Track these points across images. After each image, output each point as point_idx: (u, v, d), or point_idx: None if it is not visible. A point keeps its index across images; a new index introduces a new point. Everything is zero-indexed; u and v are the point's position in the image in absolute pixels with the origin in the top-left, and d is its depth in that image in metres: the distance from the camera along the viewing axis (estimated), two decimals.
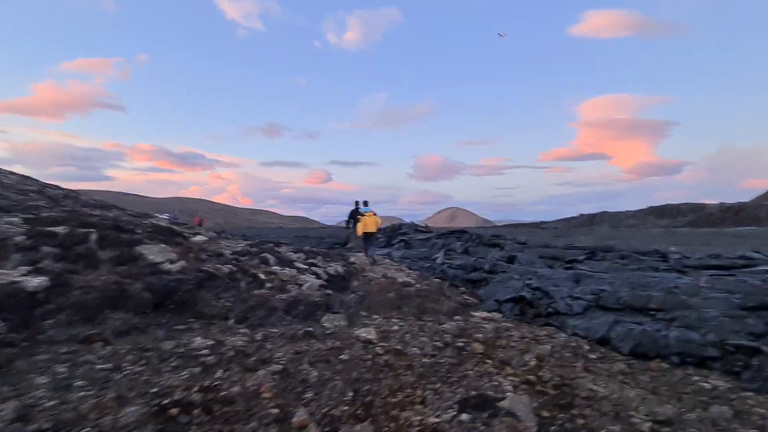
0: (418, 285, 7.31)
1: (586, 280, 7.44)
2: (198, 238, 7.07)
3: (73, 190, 19.40)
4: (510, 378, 3.58)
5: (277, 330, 4.08)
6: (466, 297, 7.24)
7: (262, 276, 5.42)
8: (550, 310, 6.34)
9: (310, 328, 4.25)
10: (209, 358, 3.14)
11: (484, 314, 6.44)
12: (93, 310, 3.64)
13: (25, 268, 3.77)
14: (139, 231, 5.60)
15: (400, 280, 7.40)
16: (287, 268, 5.98)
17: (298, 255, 7.09)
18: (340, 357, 3.65)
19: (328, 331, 4.37)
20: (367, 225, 11.84)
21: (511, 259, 10.52)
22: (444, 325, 5.40)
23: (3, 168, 18.79)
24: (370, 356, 3.74)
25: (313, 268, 6.34)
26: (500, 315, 6.46)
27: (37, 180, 19.09)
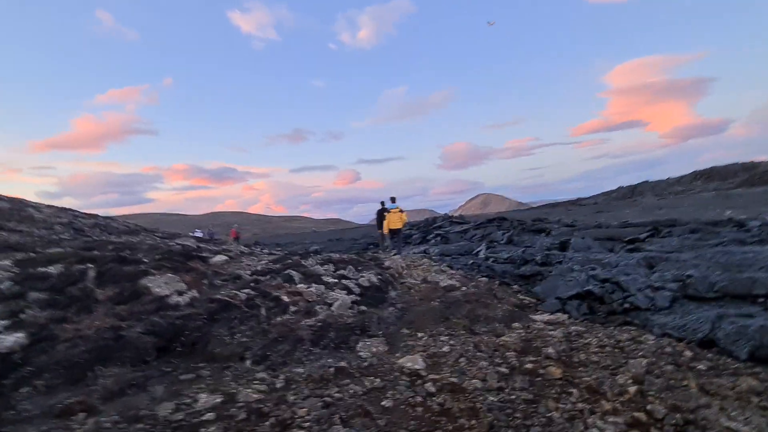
0: (464, 288, 6.42)
1: (663, 264, 6.34)
2: (217, 258, 6.48)
3: (106, 218, 19.61)
4: (611, 419, 2.67)
5: (302, 369, 3.34)
6: (522, 297, 6.29)
7: (285, 298, 4.71)
8: (626, 305, 5.33)
9: (343, 363, 3.48)
10: (212, 428, 2.42)
11: (547, 317, 5.49)
12: (81, 368, 3.01)
13: (2, 323, 3.19)
14: (146, 260, 5.01)
15: (442, 284, 6.54)
16: (314, 285, 5.26)
17: (326, 267, 6.36)
18: (383, 403, 2.85)
19: (364, 363, 3.59)
20: (391, 222, 11.85)
21: (563, 246, 9.43)
22: (503, 338, 4.52)
23: (42, 202, 19.22)
24: (420, 399, 2.93)
25: (344, 281, 5.58)
26: (566, 316, 5.50)
27: (73, 211, 19.42)
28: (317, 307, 4.62)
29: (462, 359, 3.73)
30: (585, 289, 5.84)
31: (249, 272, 5.55)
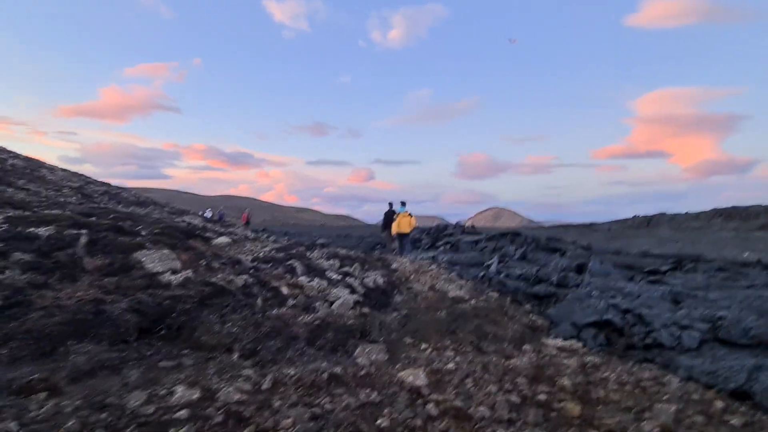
0: (473, 301, 6.06)
1: (690, 301, 5.91)
2: (220, 240, 6.22)
3: (119, 187, 19.62)
4: None
5: (293, 371, 3.02)
6: (534, 318, 5.91)
7: (285, 290, 4.41)
8: (648, 341, 4.93)
9: (338, 369, 3.16)
10: (182, 429, 2.12)
11: (560, 342, 5.11)
12: (52, 341, 2.73)
13: None
14: (144, 233, 4.76)
15: (451, 294, 6.19)
16: (317, 279, 4.95)
17: (331, 262, 6.06)
18: (378, 422, 2.52)
19: (361, 372, 3.27)
20: (400, 225, 11.65)
21: (580, 269, 9.00)
22: (513, 360, 4.17)
23: (60, 166, 19.30)
24: (420, 422, 2.59)
25: (348, 279, 5.27)
26: (580, 344, 5.11)
27: (87, 177, 19.49)
28: (317, 304, 4.31)
29: (468, 380, 3.39)
30: (604, 318, 5.45)
31: (250, 258, 5.27)
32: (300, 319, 3.90)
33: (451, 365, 3.65)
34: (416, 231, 24.70)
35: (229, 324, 3.51)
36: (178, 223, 6.97)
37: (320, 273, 5.24)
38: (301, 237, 31.07)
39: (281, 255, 5.62)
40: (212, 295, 3.78)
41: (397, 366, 3.55)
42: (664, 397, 3.65)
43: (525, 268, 8.90)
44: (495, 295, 6.68)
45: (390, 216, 12.51)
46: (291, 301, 4.20)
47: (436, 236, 18.60)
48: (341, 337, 3.78)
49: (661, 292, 6.35)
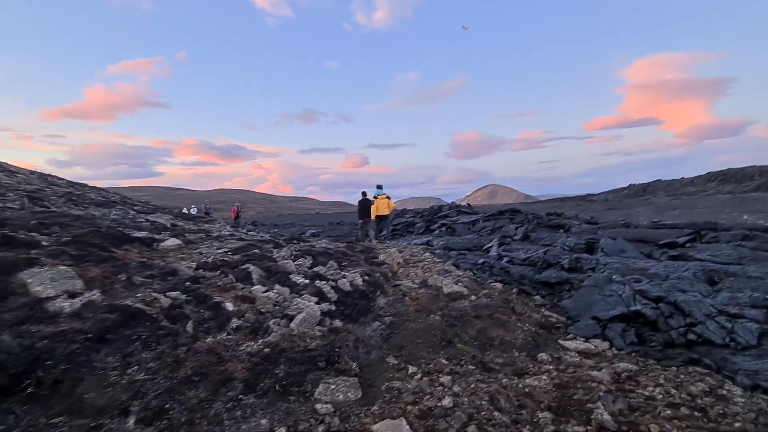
0: (473, 297, 5.09)
1: (729, 280, 4.95)
2: (168, 243, 5.19)
3: (93, 188, 18.42)
4: None
5: None
6: (547, 312, 4.95)
7: (230, 306, 3.41)
8: (691, 336, 3.98)
9: (282, 430, 2.19)
10: None
11: (582, 344, 4.17)
12: None
13: None
14: (47, 242, 3.72)
15: (446, 289, 5.20)
16: (277, 287, 3.95)
17: (301, 261, 5.05)
18: None
19: (319, 429, 2.30)
20: (379, 208, 11.95)
21: (590, 247, 8.05)
22: (528, 380, 3.21)
23: (25, 168, 18.05)
24: None
25: (318, 283, 4.27)
26: (606, 344, 4.18)
27: (56, 178, 18.24)
28: (271, 323, 3.32)
29: (471, 427, 2.42)
30: (632, 309, 4.49)
31: (195, 265, 4.25)
32: (242, 348, 2.90)
33: (447, 401, 2.68)
34: (410, 214, 23.72)
35: (135, 368, 2.51)
36: (116, 226, 5.92)
37: (283, 278, 4.23)
38: (292, 228, 30.05)
39: (236, 258, 4.60)
40: (119, 326, 2.78)
41: (372, 409, 2.57)
42: (736, 425, 2.71)
43: (529, 250, 7.93)
44: (498, 286, 5.71)
45: (365, 204, 12.71)
46: (235, 322, 3.20)
47: (431, 219, 17.60)
48: (298, 371, 2.79)
49: (691, 271, 5.40)
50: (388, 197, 12.07)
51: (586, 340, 4.29)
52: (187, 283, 3.56)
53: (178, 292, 3.36)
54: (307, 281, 4.29)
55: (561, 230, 11.66)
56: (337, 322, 3.68)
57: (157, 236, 5.76)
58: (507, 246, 8.80)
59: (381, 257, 6.90)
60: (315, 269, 4.82)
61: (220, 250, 5.07)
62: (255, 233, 12.76)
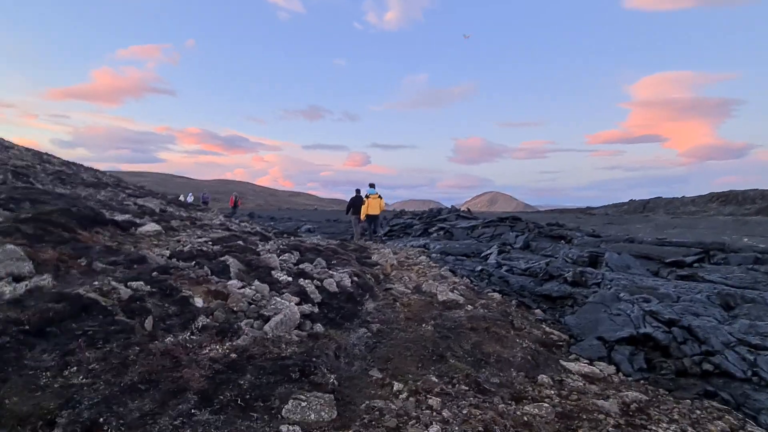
0: (469, 306, 4.73)
1: (746, 307, 4.61)
2: (147, 228, 4.83)
3: (87, 168, 18.04)
4: None
5: None
6: (548, 328, 4.59)
7: (198, 302, 3.05)
8: (707, 366, 3.63)
9: None
10: None
11: (586, 366, 3.81)
12: None
13: None
14: (0, 219, 3.35)
15: (441, 296, 4.85)
16: (256, 283, 3.59)
17: (286, 256, 4.69)
18: None
19: None
20: (370, 207, 11.93)
21: (594, 261, 7.70)
22: (528, 407, 2.85)
23: (17, 144, 17.68)
24: None
25: (302, 281, 3.90)
26: (613, 368, 3.84)
27: (49, 156, 17.86)
28: (242, 324, 2.96)
29: None
30: (641, 331, 4.14)
31: (168, 254, 3.89)
32: (205, 352, 2.54)
33: (435, 429, 2.32)
34: (408, 215, 23.37)
35: (73, 370, 2.15)
36: (96, 207, 5.56)
37: (264, 273, 3.87)
38: (288, 222, 29.67)
39: (216, 248, 4.24)
40: (64, 318, 2.42)
41: None
42: None
43: (530, 260, 7.58)
44: (497, 296, 5.35)
45: (356, 201, 12.68)
46: (202, 321, 2.84)
47: (429, 221, 17.24)
48: (266, 382, 2.43)
49: (705, 294, 5.05)
50: (380, 196, 12.07)
51: (591, 363, 3.94)
52: (155, 273, 3.20)
53: (142, 282, 3.00)
54: (290, 279, 3.92)
55: (563, 241, 11.32)
56: (319, 327, 3.32)
57: (138, 220, 5.41)
58: (507, 254, 8.45)
59: (374, 257, 6.55)
60: (301, 266, 4.46)
61: (200, 239, 4.70)
62: (247, 225, 12.42)
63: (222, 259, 3.91)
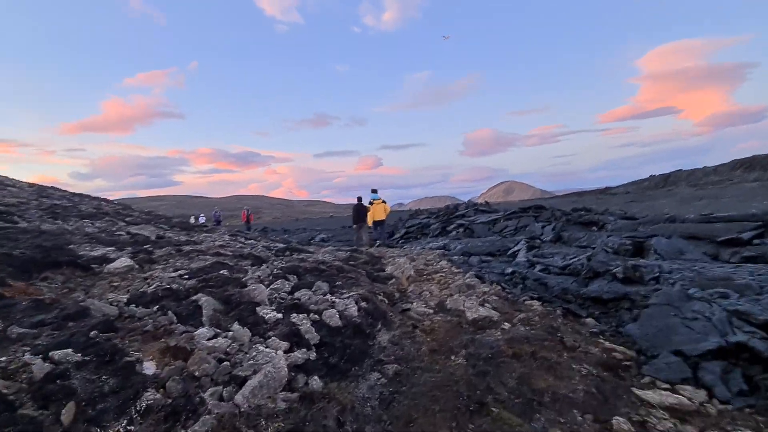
0: (506, 324, 3.85)
1: None
2: (116, 264, 4.12)
3: (92, 198, 17.68)
4: None
5: None
6: (607, 344, 3.68)
7: (149, 368, 2.27)
8: None
9: None
10: None
11: (669, 396, 2.90)
12: None
13: None
14: None
15: (470, 314, 3.99)
16: (235, 327, 2.80)
17: (278, 284, 3.90)
18: None
19: None
20: (376, 213, 12.09)
21: (638, 248, 6.72)
22: None
23: (25, 182, 17.47)
24: None
25: (295, 317, 3.11)
26: (703, 393, 2.92)
27: (50, 189, 17.56)
28: (207, 394, 2.16)
29: None
30: (731, 340, 3.21)
31: (126, 298, 3.14)
32: None
33: None
34: (425, 215, 22.49)
35: None
36: (63, 243, 4.88)
37: (246, 312, 3.08)
38: (303, 232, 29.06)
39: (190, 283, 3.48)
40: None
41: None
42: None
43: (566, 254, 6.63)
44: (536, 305, 4.46)
45: (359, 209, 12.71)
46: (147, 398, 2.06)
47: (447, 219, 16.30)
48: None
49: None
50: (383, 201, 12.17)
51: (673, 388, 3.03)
52: (94, 332, 2.44)
53: (71, 349, 2.24)
54: (281, 315, 3.13)
55: (594, 228, 10.29)
56: (315, 382, 2.51)
57: (114, 255, 4.72)
58: (537, 249, 7.51)
59: (388, 269, 5.72)
60: (296, 295, 3.66)
61: (176, 273, 3.95)
62: (254, 241, 11.73)
63: (193, 298, 3.14)
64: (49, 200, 13.48)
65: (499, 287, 5.08)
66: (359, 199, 13.03)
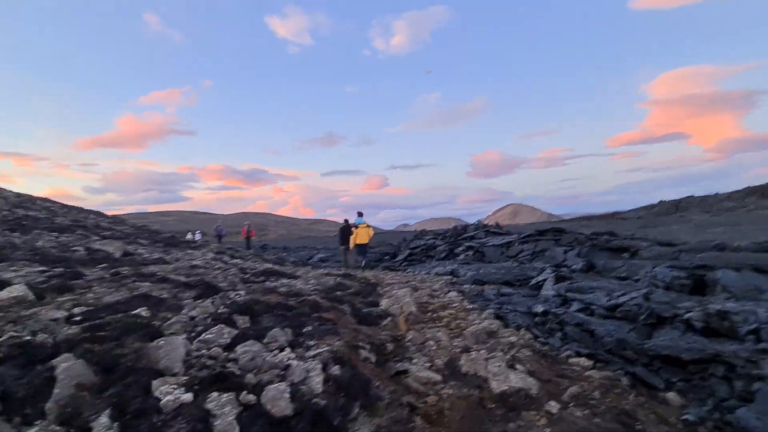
0: (552, 402, 2.57)
1: None
2: (1, 294, 2.90)
3: (70, 209, 16.60)
4: None
5: None
6: None
7: None
8: None
9: None
10: None
11: None
12: None
13: None
14: None
15: (497, 383, 2.70)
16: (103, 420, 1.54)
17: (213, 332, 2.63)
18: None
19: None
20: (359, 236, 12.16)
21: (698, 283, 5.38)
22: None
23: (10, 191, 16.47)
24: None
25: (214, 400, 1.84)
26: None
27: (41, 200, 16.54)
28: None
29: None
30: None
31: None
32: None
33: None
34: (430, 236, 21.20)
35: None
36: (20, 255, 3.69)
37: (131, 393, 1.84)
38: (303, 251, 27.78)
39: (68, 332, 2.28)
40: None
41: None
42: None
43: (609, 288, 5.29)
44: (588, 367, 3.14)
45: (347, 230, 12.87)
46: None
47: (455, 241, 14.98)
48: None
49: None
50: (368, 226, 12.38)
51: None
52: None
53: None
54: (189, 397, 1.87)
55: (626, 254, 8.95)
56: None
57: (15, 280, 3.53)
58: (569, 282, 6.12)
59: (383, 303, 4.45)
60: (235, 351, 2.40)
61: (65, 312, 2.71)
62: (240, 260, 10.53)
63: (55, 362, 1.89)
64: (24, 211, 12.45)
65: (530, 335, 3.77)
66: (346, 221, 13.41)
